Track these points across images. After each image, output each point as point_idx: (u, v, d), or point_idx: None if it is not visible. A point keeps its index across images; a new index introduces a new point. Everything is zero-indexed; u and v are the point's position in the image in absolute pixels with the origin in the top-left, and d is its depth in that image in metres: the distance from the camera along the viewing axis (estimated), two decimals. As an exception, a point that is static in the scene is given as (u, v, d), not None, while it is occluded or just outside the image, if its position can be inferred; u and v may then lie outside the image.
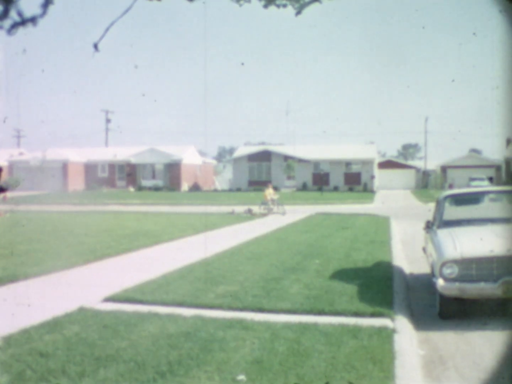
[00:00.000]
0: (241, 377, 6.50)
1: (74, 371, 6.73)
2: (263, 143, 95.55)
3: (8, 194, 57.35)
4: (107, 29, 4.42)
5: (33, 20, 3.57)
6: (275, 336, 8.10)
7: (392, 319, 9.12)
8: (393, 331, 8.49)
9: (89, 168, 77.97)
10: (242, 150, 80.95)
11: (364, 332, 8.29)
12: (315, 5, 5.15)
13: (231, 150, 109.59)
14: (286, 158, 74.24)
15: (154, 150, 76.63)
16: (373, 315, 9.31)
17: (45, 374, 6.67)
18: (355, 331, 8.34)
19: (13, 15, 3.47)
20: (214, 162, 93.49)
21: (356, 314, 9.34)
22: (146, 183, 76.07)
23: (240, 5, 5.03)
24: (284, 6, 5.05)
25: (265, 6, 5.01)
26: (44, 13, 3.64)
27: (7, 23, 3.50)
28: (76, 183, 74.82)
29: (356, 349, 7.52)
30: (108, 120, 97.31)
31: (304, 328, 8.54)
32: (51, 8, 3.69)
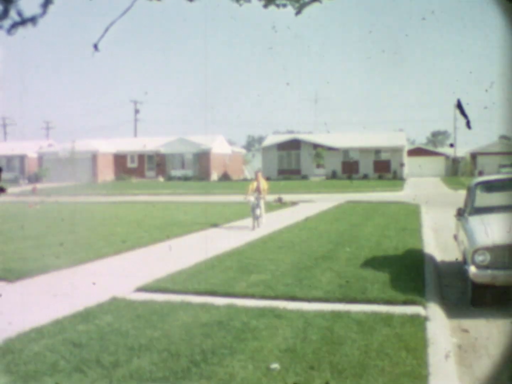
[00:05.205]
0: (275, 365, 6.53)
1: (107, 361, 6.80)
2: (291, 132, 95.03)
3: (38, 185, 58.03)
4: (107, 29, 4.44)
5: (33, 20, 3.58)
6: (307, 325, 8.12)
7: (424, 307, 9.10)
8: (426, 318, 8.48)
9: (118, 159, 78.06)
10: (271, 139, 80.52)
11: (397, 320, 8.29)
12: (316, 4, 5.12)
13: (260, 139, 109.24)
14: (315, 146, 73.80)
15: (183, 140, 76.56)
16: (405, 303, 9.29)
17: (79, 364, 6.74)
18: (387, 319, 8.33)
19: (13, 15, 3.48)
20: (243, 151, 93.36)
21: (388, 302, 9.34)
22: (176, 173, 76.07)
23: (240, 5, 5.02)
24: (284, 6, 5.03)
25: (265, 6, 5.00)
26: (44, 12, 3.65)
27: (6, 23, 3.51)
28: (106, 173, 74.98)
29: (389, 337, 7.52)
30: (136, 111, 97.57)
31: (336, 316, 8.55)
32: (51, 8, 3.70)
